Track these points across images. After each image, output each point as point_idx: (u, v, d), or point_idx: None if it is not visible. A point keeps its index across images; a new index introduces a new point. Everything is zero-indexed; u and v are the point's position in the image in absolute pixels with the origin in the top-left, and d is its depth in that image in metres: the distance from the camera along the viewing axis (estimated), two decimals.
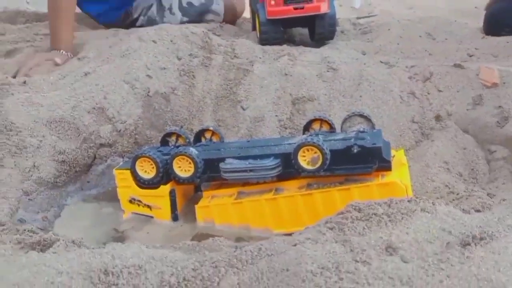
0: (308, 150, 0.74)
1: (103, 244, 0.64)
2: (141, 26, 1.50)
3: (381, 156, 0.73)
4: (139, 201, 0.83)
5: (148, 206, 0.83)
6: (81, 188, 0.95)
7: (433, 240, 0.61)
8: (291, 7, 1.31)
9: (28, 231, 0.71)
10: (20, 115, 0.94)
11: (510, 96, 1.02)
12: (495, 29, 1.40)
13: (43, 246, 0.64)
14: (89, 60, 1.14)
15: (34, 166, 0.89)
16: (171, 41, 1.18)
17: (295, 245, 0.62)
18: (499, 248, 0.59)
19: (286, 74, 1.15)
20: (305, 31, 1.53)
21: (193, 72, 1.14)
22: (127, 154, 1.01)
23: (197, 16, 1.55)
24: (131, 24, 1.53)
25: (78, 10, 2.05)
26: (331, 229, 0.65)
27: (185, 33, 1.20)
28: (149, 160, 0.80)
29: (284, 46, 1.30)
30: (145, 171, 0.81)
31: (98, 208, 0.91)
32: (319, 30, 1.40)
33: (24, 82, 1.04)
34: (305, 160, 0.74)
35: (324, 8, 1.33)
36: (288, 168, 0.76)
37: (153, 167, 0.80)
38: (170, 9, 1.54)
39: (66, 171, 0.93)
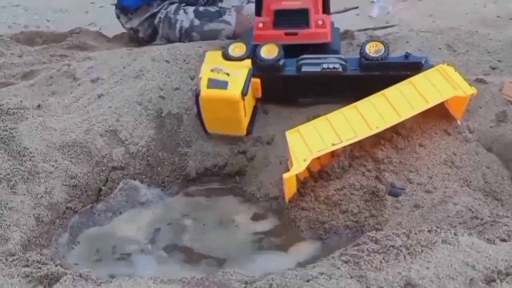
0: (373, 46, 0.98)
1: (110, 278, 0.63)
2: (158, 22, 1.55)
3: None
4: (221, 69, 0.97)
5: (227, 74, 0.96)
6: (93, 212, 0.94)
7: (455, 276, 0.58)
8: (281, 31, 1.05)
9: (37, 262, 0.70)
10: (33, 140, 0.94)
11: None
12: None
13: (51, 280, 0.63)
14: (103, 81, 1.14)
15: (46, 191, 0.88)
16: (184, 60, 1.17)
17: (308, 280, 0.59)
18: None
19: None
20: None
21: None
22: (139, 176, 1.01)
23: (208, 20, 1.56)
24: (148, 18, 1.57)
25: (93, 28, 2.10)
26: (346, 262, 0.62)
27: (199, 52, 1.19)
28: (240, 43, 1.03)
29: None
30: (235, 52, 1.01)
31: (110, 234, 0.90)
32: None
33: (39, 106, 1.04)
34: (370, 50, 0.97)
35: (324, 37, 1.05)
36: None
37: (242, 49, 1.01)
38: (185, 9, 1.58)
39: (77, 195, 0.93)
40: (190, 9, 1.60)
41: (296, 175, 0.90)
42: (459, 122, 1.00)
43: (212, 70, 0.97)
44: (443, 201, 0.88)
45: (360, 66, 0.99)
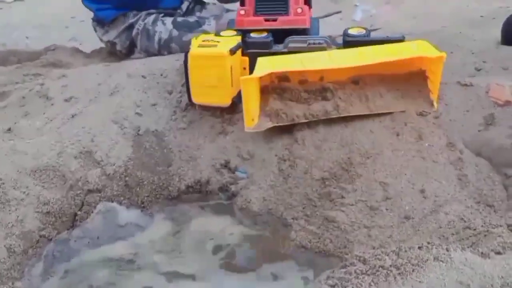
0: (356, 30, 1.05)
1: None
2: (136, 34, 1.52)
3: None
4: (212, 39, 1.02)
5: (218, 41, 1.00)
6: (68, 239, 0.89)
7: None
8: (261, 18, 1.11)
9: None
10: (3, 165, 0.90)
11: None
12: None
13: None
14: (77, 100, 1.09)
15: (17, 220, 0.84)
16: (161, 74, 1.13)
17: None
18: None
19: None
20: None
21: (185, 106, 1.09)
22: (117, 198, 0.96)
23: (187, 30, 1.53)
24: (125, 30, 1.54)
25: (74, 43, 2.05)
26: (333, 286, 0.58)
27: (176, 65, 1.15)
28: (231, 30, 1.08)
29: None
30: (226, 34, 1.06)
31: (88, 262, 0.85)
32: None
33: (9, 129, 1.00)
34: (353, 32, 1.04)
35: (302, 23, 1.10)
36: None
37: (233, 32, 1.07)
38: (163, 20, 1.54)
39: (51, 222, 0.88)
40: (169, 20, 1.56)
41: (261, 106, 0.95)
42: (435, 106, 0.98)
43: (203, 41, 1.02)
44: (434, 210, 0.84)
45: (343, 43, 1.05)
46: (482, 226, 0.76)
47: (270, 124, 0.97)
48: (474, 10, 1.93)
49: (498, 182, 0.91)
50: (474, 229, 0.76)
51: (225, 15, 1.63)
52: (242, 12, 1.12)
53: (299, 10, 1.11)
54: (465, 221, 0.79)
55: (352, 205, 0.90)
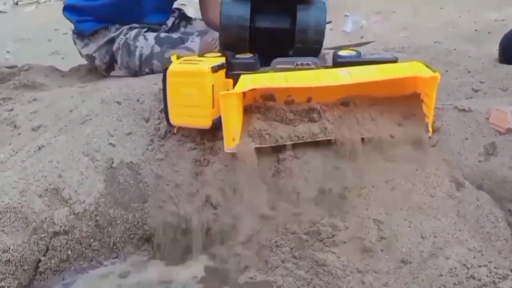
0: (346, 51, 1.01)
1: None
2: (117, 49, 1.45)
3: None
4: (194, 59, 0.97)
5: (199, 61, 0.95)
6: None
7: None
8: None
9: None
10: None
11: None
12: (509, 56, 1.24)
13: None
14: (46, 129, 1.01)
15: None
16: (138, 100, 1.05)
17: None
18: None
19: None
20: None
21: (164, 134, 1.01)
22: (87, 240, 0.87)
23: (170, 46, 1.46)
24: (105, 44, 1.47)
25: (56, 57, 1.96)
26: None
27: (154, 90, 1.07)
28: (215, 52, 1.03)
29: None
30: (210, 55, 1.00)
31: None
32: (301, 18, 1.04)
33: None
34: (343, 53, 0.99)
35: None
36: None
37: (217, 53, 1.01)
38: (145, 36, 1.46)
39: (11, 272, 0.79)
40: (151, 36, 1.49)
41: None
42: (430, 131, 0.92)
43: (184, 60, 0.97)
44: (433, 254, 0.77)
45: (333, 64, 0.99)
46: (487, 276, 0.69)
47: (252, 145, 0.90)
48: (467, 22, 1.88)
49: (501, 218, 0.84)
50: (479, 280, 0.68)
51: (211, 31, 1.55)
52: None
53: None
54: (468, 268, 0.72)
55: (344, 244, 0.83)
